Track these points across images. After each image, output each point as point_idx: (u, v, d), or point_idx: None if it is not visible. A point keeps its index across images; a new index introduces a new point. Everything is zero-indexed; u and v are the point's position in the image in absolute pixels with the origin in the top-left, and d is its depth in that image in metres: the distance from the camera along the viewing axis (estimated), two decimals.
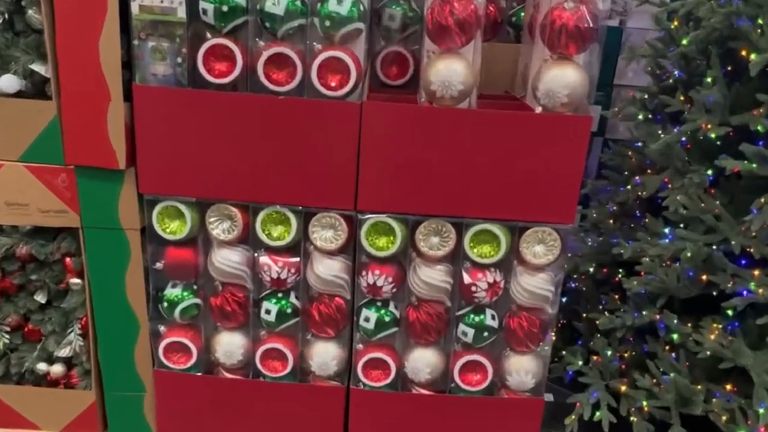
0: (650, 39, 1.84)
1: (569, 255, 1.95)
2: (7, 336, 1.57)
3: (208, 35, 1.30)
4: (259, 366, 1.54)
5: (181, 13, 1.26)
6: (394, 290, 1.45)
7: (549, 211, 1.36)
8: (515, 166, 1.32)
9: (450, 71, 1.25)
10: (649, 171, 1.78)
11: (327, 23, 1.27)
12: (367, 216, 1.38)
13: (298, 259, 1.45)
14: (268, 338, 1.53)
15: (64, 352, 1.56)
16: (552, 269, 1.43)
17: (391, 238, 1.40)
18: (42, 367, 1.59)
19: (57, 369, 1.59)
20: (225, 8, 1.26)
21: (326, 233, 1.41)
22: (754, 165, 1.38)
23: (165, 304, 1.49)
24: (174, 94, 1.32)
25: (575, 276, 2.03)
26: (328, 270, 1.43)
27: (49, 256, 1.49)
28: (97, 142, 1.35)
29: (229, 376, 1.57)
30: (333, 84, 1.30)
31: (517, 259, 1.43)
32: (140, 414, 1.63)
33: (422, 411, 1.55)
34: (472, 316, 1.47)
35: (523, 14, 1.61)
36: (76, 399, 1.61)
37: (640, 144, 1.83)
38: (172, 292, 1.50)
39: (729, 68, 1.56)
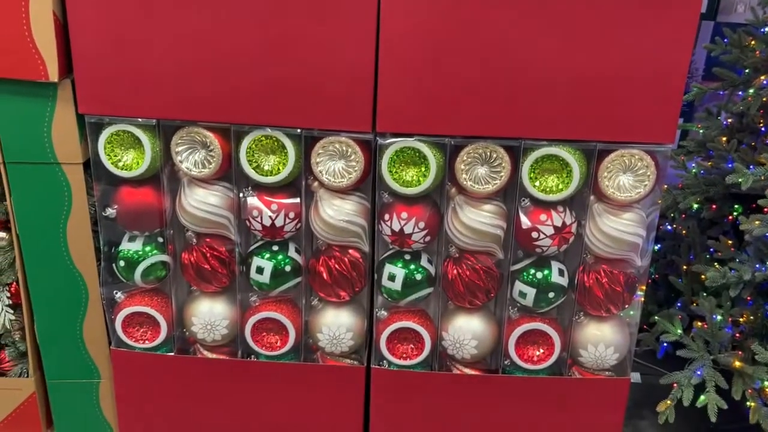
0: None
1: (665, 187, 1.98)
2: None
3: None
4: (250, 342, 1.61)
5: None
6: (428, 239, 1.50)
7: (639, 127, 1.38)
8: (593, 63, 1.33)
9: None
10: None
11: None
12: (389, 140, 1.42)
13: (297, 200, 1.50)
14: (260, 305, 1.60)
15: None
16: (642, 207, 1.47)
17: (423, 169, 1.44)
18: None
19: None
20: None
21: (335, 164, 1.45)
22: None
23: (122, 264, 1.56)
24: None
25: (673, 216, 2.05)
26: (338, 213, 1.47)
27: None
28: (17, 44, 1.36)
29: (210, 356, 1.65)
30: None
31: (594, 194, 1.47)
32: (95, 407, 1.72)
33: (466, 396, 1.63)
34: (532, 271, 1.52)
35: None
36: (10, 389, 1.70)
37: (767, 29, 1.81)
38: (130, 247, 1.55)
39: None
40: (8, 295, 1.63)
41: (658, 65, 1.33)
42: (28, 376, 1.69)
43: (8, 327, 1.65)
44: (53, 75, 1.38)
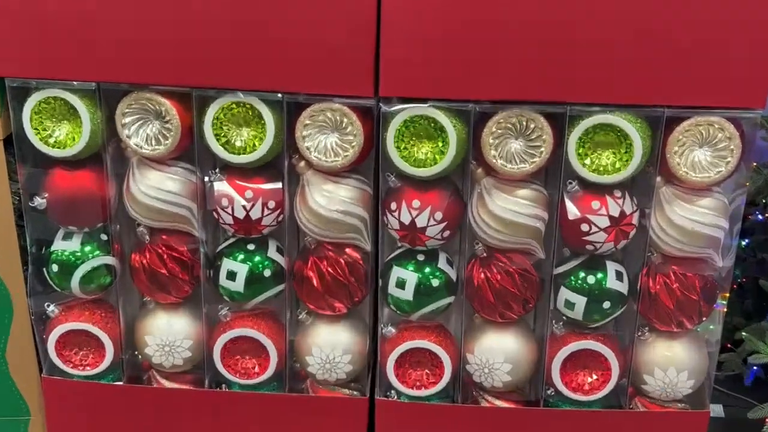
0: None
1: (754, 165, 1.96)
2: None
3: None
4: (220, 368, 1.62)
5: None
6: (447, 234, 1.50)
7: (719, 89, 1.38)
8: (661, 7, 1.33)
9: None
10: None
11: None
12: (397, 107, 1.42)
13: (279, 184, 1.51)
14: (233, 320, 1.61)
15: None
16: (724, 190, 1.47)
17: (440, 143, 1.44)
18: None
19: None
20: None
21: (327, 139, 1.45)
22: None
23: (55, 268, 1.57)
24: None
25: (765, 202, 2.05)
26: (331, 202, 1.48)
27: None
28: None
29: (169, 385, 1.66)
30: None
31: (662, 175, 1.47)
32: None
33: None
34: (582, 274, 1.52)
35: None
36: None
37: None
38: (65, 247, 1.57)
39: None
40: None
41: (739, 8, 1.33)
42: None
43: None
44: None
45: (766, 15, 1.33)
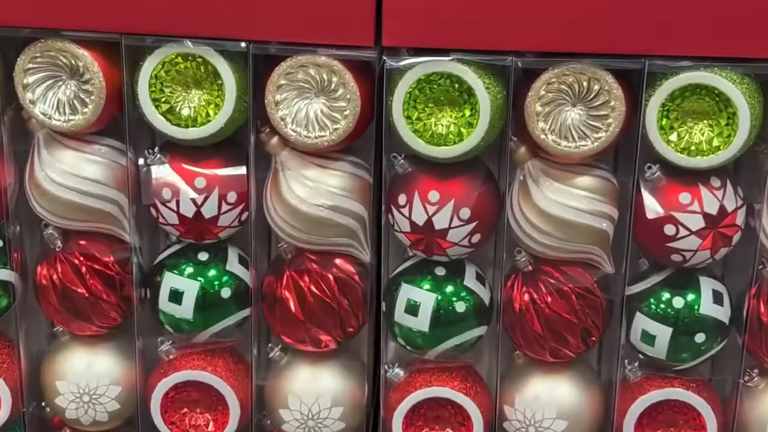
0: None
1: None
2: None
3: None
4: (160, 425, 1.63)
5: None
6: (477, 239, 1.50)
7: None
8: None
9: None
10: None
11: None
12: (407, 60, 1.42)
13: (242, 170, 1.51)
14: (179, 359, 1.62)
15: None
16: None
17: (467, 112, 1.44)
18: None
19: None
20: None
21: (310, 106, 1.45)
22: None
23: None
24: None
25: None
26: (316, 194, 1.48)
27: None
28: None
29: None
30: None
31: None
32: None
33: None
34: (666, 295, 1.53)
35: None
36: None
37: None
38: None
39: None
40: None
41: None
42: None
43: None
44: None
45: None
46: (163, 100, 1.45)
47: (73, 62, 1.44)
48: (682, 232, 1.45)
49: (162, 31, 1.42)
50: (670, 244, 1.46)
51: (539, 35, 1.39)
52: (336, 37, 1.40)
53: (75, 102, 1.46)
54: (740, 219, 1.47)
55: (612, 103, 1.40)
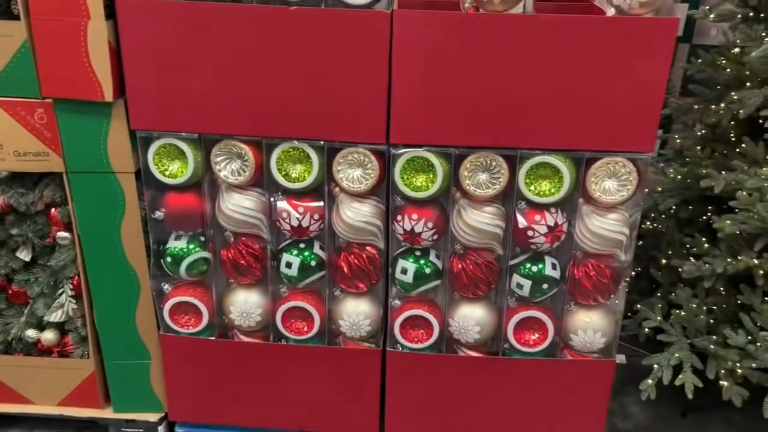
0: None
1: (647, 190, 1.95)
2: None
3: None
4: (280, 327, 1.61)
5: None
6: (436, 237, 1.49)
7: (623, 138, 1.37)
8: (581, 82, 1.32)
9: None
10: (748, 84, 1.75)
11: None
12: (401, 150, 1.41)
13: (321, 203, 1.49)
14: (289, 295, 1.60)
15: (55, 316, 1.64)
16: (626, 208, 1.45)
17: (431, 176, 1.43)
18: (31, 333, 1.68)
19: (49, 336, 1.68)
20: None
21: (354, 172, 1.44)
22: None
23: (168, 260, 1.56)
24: (167, 8, 1.33)
25: (654, 215, 2.04)
26: (357, 215, 1.47)
27: (31, 206, 1.54)
28: (77, 69, 1.36)
29: (246, 339, 1.65)
30: None
31: (583, 197, 1.45)
32: (146, 384, 1.73)
33: (470, 376, 1.62)
34: (528, 265, 1.51)
35: None
36: (73, 369, 1.71)
37: (737, 51, 1.80)
38: (175, 245, 1.56)
39: None
40: (71, 287, 1.64)
41: (639, 85, 1.32)
42: (88, 358, 1.70)
43: (71, 315, 1.65)
44: (108, 96, 1.39)
45: (649, 94, 1.32)
46: (282, 170, 1.45)
47: (239, 151, 1.44)
48: (536, 234, 1.44)
49: (282, 135, 1.42)
50: (530, 240, 1.45)
51: (467, 138, 1.38)
52: (367, 138, 1.40)
53: (239, 170, 1.46)
54: (565, 228, 1.46)
55: (502, 171, 1.40)
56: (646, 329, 1.78)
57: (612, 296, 1.53)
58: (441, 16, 1.30)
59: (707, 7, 1.87)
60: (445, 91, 1.35)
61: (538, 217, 1.44)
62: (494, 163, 1.41)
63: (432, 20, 1.30)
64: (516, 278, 1.52)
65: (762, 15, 1.73)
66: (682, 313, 1.72)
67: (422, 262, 1.52)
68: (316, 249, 1.56)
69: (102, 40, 1.34)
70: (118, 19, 1.34)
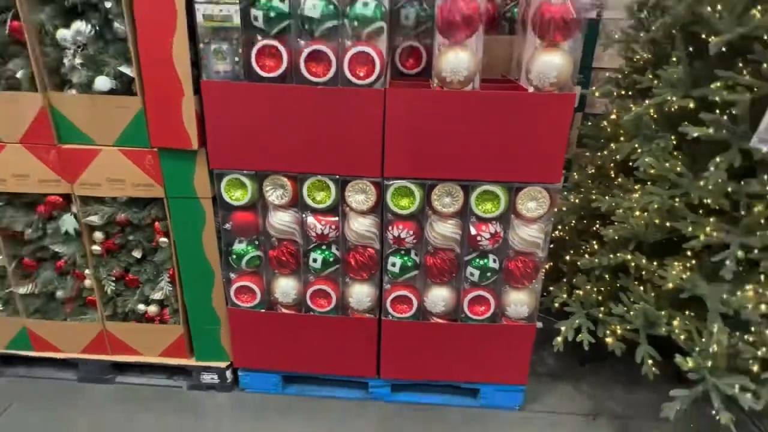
0: (624, 27, 1.79)
1: (556, 210, 1.93)
2: (113, 284, 1.62)
3: (259, 38, 1.30)
4: (309, 303, 1.58)
5: (237, 20, 1.26)
6: (415, 241, 1.47)
7: (539, 174, 1.36)
8: (512, 137, 1.31)
9: (458, 60, 1.24)
10: (622, 139, 1.75)
11: (355, 23, 1.25)
12: (391, 182, 1.39)
13: (337, 218, 1.47)
14: (315, 281, 1.57)
15: (157, 295, 1.61)
16: (542, 221, 1.43)
17: (411, 199, 1.41)
18: (141, 307, 1.65)
19: (152, 309, 1.66)
20: (272, 14, 1.26)
21: (359, 197, 1.42)
22: (711, 130, 1.35)
23: (233, 257, 1.53)
24: (234, 88, 1.32)
25: (560, 226, 2.02)
26: (361, 226, 1.45)
27: (142, 221, 1.53)
28: (175, 128, 1.36)
29: (285, 311, 1.62)
30: (361, 74, 1.29)
31: (513, 214, 1.43)
32: (218, 342, 1.68)
33: (438, 336, 1.59)
34: (477, 260, 1.48)
35: (516, 10, 1.57)
36: (168, 331, 1.67)
37: (614, 116, 1.79)
38: (238, 247, 1.53)
39: (690, 49, 1.50)
40: (168, 276, 1.60)
41: (550, 138, 1.31)
42: (179, 324, 1.66)
43: (167, 295, 1.62)
44: (195, 145, 1.38)
45: (556, 145, 1.30)
46: (311, 196, 1.42)
47: (281, 182, 1.41)
48: (482, 239, 1.41)
49: (311, 171, 1.39)
50: (478, 243, 1.43)
51: (436, 174, 1.35)
52: (369, 174, 1.38)
53: (281, 196, 1.43)
54: (502, 235, 1.43)
55: (460, 196, 1.38)
56: (556, 304, 1.75)
57: (533, 281, 1.50)
58: (418, 92, 1.30)
59: (594, 88, 1.87)
60: (421, 142, 1.33)
61: (483, 228, 1.42)
62: (454, 191, 1.39)
63: (412, 94, 1.30)
64: (469, 269, 1.49)
65: (630, 93, 1.74)
66: (581, 292, 1.70)
67: (406, 258, 1.49)
68: (333, 250, 1.52)
69: (191, 109, 1.34)
70: (202, 95, 1.34)
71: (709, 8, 1.34)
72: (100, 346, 1.70)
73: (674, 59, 1.46)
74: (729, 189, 1.37)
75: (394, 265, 1.50)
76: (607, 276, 1.72)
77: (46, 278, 1.62)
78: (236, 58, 1.30)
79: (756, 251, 1.34)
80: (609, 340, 1.60)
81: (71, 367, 1.73)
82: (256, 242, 1.54)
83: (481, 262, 1.47)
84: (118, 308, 1.67)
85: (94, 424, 1.55)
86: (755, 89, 1.29)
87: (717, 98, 1.35)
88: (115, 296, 1.65)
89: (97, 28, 1.33)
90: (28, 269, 1.63)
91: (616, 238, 1.60)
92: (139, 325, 1.68)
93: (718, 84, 1.35)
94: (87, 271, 1.61)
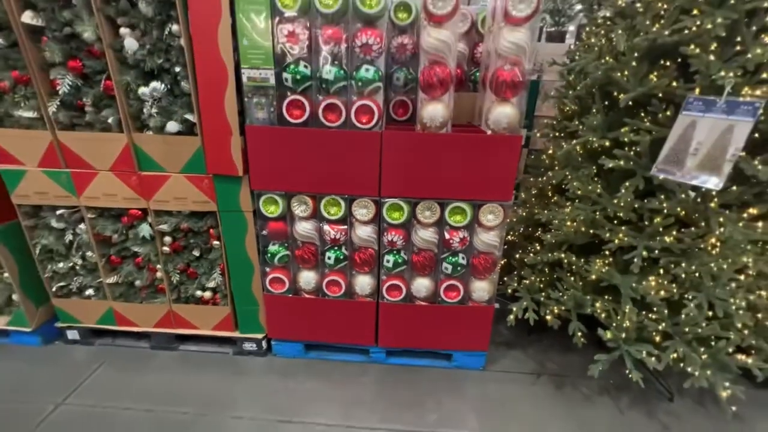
0: (557, 86, 1.82)
1: (508, 220, 1.94)
2: (178, 275, 1.62)
3: (289, 94, 1.31)
4: (324, 290, 1.57)
5: (272, 81, 1.28)
6: (404, 243, 1.47)
7: (496, 194, 1.36)
8: (475, 167, 1.32)
9: (435, 111, 1.26)
10: (556, 168, 1.76)
11: (359, 83, 1.27)
12: (386, 200, 1.39)
13: (346, 226, 1.47)
14: (329, 273, 1.55)
15: (211, 284, 1.60)
16: (498, 229, 1.43)
17: (402, 212, 1.41)
18: (198, 293, 1.63)
19: (207, 294, 1.64)
20: (298, 77, 1.28)
21: (362, 210, 1.42)
22: (622, 162, 1.37)
23: (268, 255, 1.52)
24: (270, 130, 1.33)
25: (512, 233, 2.02)
26: (364, 232, 1.45)
27: (200, 228, 1.53)
28: (226, 160, 1.37)
29: (307, 296, 1.60)
30: (364, 120, 1.30)
31: (477, 223, 1.43)
32: (257, 320, 1.66)
33: (422, 314, 1.58)
34: (450, 258, 1.48)
35: (478, 74, 1.60)
36: (219, 311, 1.66)
37: (551, 151, 1.81)
38: (272, 248, 1.52)
39: (606, 103, 1.53)
40: (219, 270, 1.59)
41: (503, 168, 1.32)
42: (227, 306, 1.65)
43: (219, 284, 1.61)
44: (240, 173, 1.38)
45: (507, 173, 1.31)
46: (326, 210, 1.42)
47: (305, 200, 1.41)
48: (454, 242, 1.41)
49: (326, 192, 1.38)
50: (451, 245, 1.42)
51: (420, 193, 1.35)
52: (369, 193, 1.38)
53: (305, 210, 1.42)
54: (468, 239, 1.43)
55: (437, 210, 1.38)
56: (509, 290, 1.75)
57: (492, 273, 1.49)
58: (406, 134, 1.31)
59: (536, 131, 1.89)
60: (409, 170, 1.34)
61: (455, 234, 1.42)
62: (433, 206, 1.39)
63: (402, 135, 1.30)
64: (444, 265, 1.48)
65: (562, 134, 1.76)
66: (527, 282, 1.69)
67: (397, 256, 1.49)
68: (343, 250, 1.52)
69: (238, 146, 1.35)
70: (246, 136, 1.34)
71: (619, 73, 1.37)
72: (167, 322, 1.69)
73: (594, 110, 1.49)
74: (636, 205, 1.39)
75: (388, 261, 1.50)
76: (546, 270, 1.72)
77: (128, 271, 1.62)
78: (271, 109, 1.32)
79: (656, 251, 1.36)
80: (548, 317, 1.60)
81: (145, 338, 1.73)
82: (286, 244, 1.53)
83: (453, 259, 1.47)
84: (181, 294, 1.65)
85: (162, 381, 1.54)
86: (653, 132, 1.32)
87: (626, 139, 1.38)
88: (179, 285, 1.64)
89: (169, 86, 1.35)
90: (114, 264, 1.63)
91: (553, 241, 1.61)
92: (197, 307, 1.66)
93: (626, 128, 1.38)
94: (158, 266, 1.60)
